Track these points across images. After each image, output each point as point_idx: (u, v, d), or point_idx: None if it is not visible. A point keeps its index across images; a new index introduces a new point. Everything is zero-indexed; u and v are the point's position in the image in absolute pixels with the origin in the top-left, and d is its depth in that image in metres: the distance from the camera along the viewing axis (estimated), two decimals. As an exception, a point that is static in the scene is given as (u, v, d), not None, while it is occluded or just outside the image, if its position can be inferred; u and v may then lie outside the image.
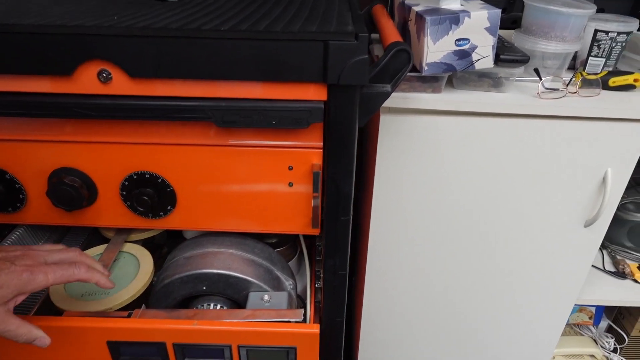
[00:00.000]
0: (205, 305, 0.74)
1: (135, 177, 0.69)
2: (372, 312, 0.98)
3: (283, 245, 0.87)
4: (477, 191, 0.83)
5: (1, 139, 0.66)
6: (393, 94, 0.78)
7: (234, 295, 0.72)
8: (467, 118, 0.77)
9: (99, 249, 0.75)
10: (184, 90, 0.61)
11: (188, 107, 0.61)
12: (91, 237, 0.82)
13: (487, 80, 0.79)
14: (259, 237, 0.83)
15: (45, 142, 0.66)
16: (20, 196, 0.71)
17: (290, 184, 0.70)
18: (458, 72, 0.78)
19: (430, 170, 0.81)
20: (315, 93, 0.61)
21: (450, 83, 0.80)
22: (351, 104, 0.62)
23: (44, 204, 0.71)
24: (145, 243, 0.84)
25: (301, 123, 0.62)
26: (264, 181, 0.69)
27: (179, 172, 0.69)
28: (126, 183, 0.69)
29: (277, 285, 0.75)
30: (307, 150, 0.67)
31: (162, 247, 0.87)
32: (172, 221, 0.73)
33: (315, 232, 0.74)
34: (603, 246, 1.13)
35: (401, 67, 0.64)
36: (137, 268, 0.72)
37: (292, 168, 0.68)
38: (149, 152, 0.67)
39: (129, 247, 0.76)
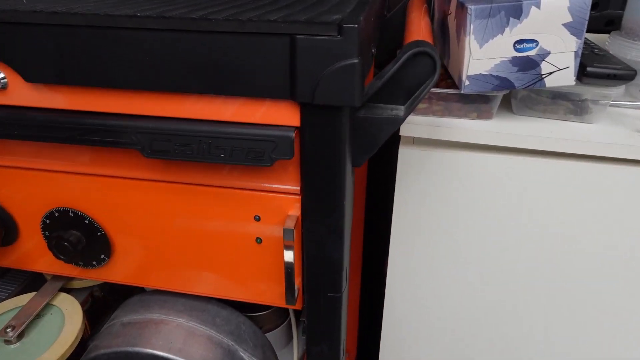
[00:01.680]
0: (144, 389, 0.55)
1: (57, 214, 0.52)
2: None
3: (267, 307, 0.67)
4: (541, 265, 0.58)
5: None
6: (417, 119, 0.55)
7: (178, 385, 0.53)
8: (532, 159, 0.52)
9: (26, 297, 0.59)
10: (97, 104, 0.43)
11: (103, 128, 0.43)
12: (32, 279, 0.67)
13: (565, 105, 0.54)
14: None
15: (-53, 163, 0.52)
16: None
17: (259, 240, 0.49)
18: (519, 91, 0.54)
19: (471, 230, 0.57)
20: (282, 115, 0.40)
21: (507, 106, 0.56)
22: (336, 134, 0.40)
23: (-41, 239, 0.56)
24: (103, 289, 0.67)
25: (262, 159, 0.41)
26: (223, 234, 0.50)
27: (111, 212, 0.51)
28: (47, 221, 0.53)
29: (240, 374, 0.55)
30: (279, 195, 0.46)
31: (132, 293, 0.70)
32: (109, 273, 0.56)
33: (295, 307, 0.53)
34: None
35: (422, 79, 0.41)
36: (60, 331, 0.55)
37: (259, 219, 0.48)
38: (71, 184, 0.50)
39: (61, 300, 0.59)
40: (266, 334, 0.68)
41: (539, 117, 0.54)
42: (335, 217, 0.45)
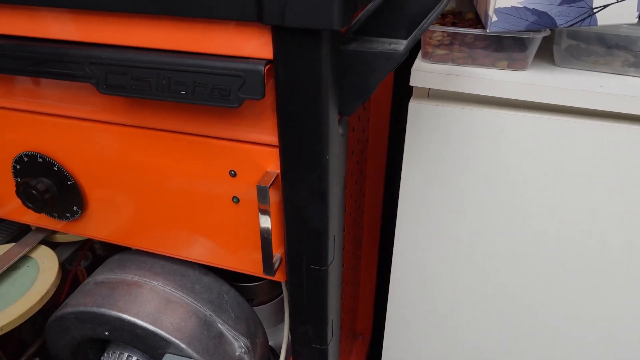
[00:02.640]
0: (117, 354, 0.51)
1: (26, 159, 0.48)
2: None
3: (260, 278, 0.61)
4: (582, 246, 0.48)
5: None
6: (433, 67, 0.46)
7: (147, 352, 0.48)
8: (575, 120, 0.42)
9: (4, 247, 0.56)
10: (45, 29, 0.37)
11: (56, 57, 0.37)
12: (22, 231, 0.64)
13: (623, 55, 0.43)
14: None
15: None
16: None
17: (235, 199, 0.43)
18: (563, 39, 0.43)
19: (494, 204, 0.48)
20: (251, 44, 0.33)
21: (545, 55, 0.46)
22: (316, 70, 0.33)
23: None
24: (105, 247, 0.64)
25: (228, 98, 0.34)
26: (196, 189, 0.44)
27: (80, 160, 0.46)
28: (18, 166, 0.49)
29: (215, 348, 0.49)
30: (255, 147, 0.40)
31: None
32: (84, 228, 0.51)
33: (275, 279, 0.46)
34: None
35: (430, 4, 0.33)
36: (32, 285, 0.52)
37: (235, 174, 0.41)
38: (37, 126, 0.46)
39: (39, 253, 0.56)
40: (257, 307, 0.63)
41: (586, 70, 0.44)
42: (317, 175, 0.37)
